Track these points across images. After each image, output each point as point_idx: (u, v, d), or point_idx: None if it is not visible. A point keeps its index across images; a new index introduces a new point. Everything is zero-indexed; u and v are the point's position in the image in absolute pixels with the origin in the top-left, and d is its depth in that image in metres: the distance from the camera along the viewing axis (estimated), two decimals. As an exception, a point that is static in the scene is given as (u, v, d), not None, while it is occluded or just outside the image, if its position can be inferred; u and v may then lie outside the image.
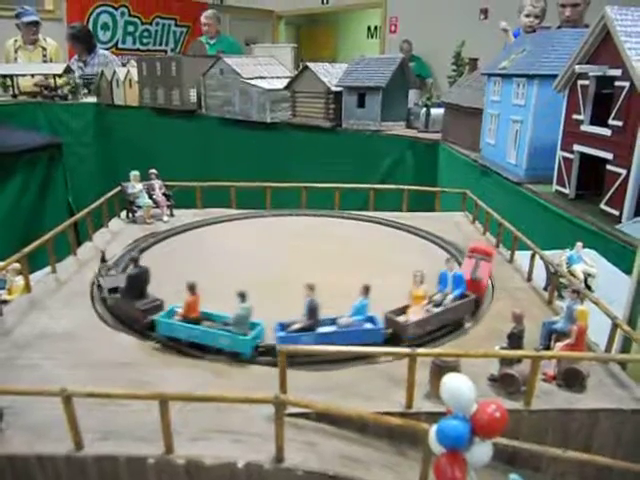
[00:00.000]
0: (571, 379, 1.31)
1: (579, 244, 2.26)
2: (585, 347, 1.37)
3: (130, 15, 11.61)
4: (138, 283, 1.73)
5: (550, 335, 1.45)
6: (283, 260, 2.29)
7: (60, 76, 7.77)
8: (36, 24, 8.22)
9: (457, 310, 1.67)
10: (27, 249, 1.94)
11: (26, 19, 8.16)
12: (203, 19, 9.21)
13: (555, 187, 3.42)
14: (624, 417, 1.24)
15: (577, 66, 3.05)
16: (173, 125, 6.96)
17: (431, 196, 2.96)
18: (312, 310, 1.54)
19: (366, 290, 1.57)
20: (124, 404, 1.28)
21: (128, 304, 1.72)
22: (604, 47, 2.92)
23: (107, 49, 10.07)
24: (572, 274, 2.18)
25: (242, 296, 1.49)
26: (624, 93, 2.72)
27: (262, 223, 2.79)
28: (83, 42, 8.69)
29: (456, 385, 0.93)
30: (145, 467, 1.14)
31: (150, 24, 12.02)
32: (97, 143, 7.64)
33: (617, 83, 2.79)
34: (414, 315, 1.58)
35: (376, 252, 2.38)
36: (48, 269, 2.15)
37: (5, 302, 1.90)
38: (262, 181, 2.92)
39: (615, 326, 1.40)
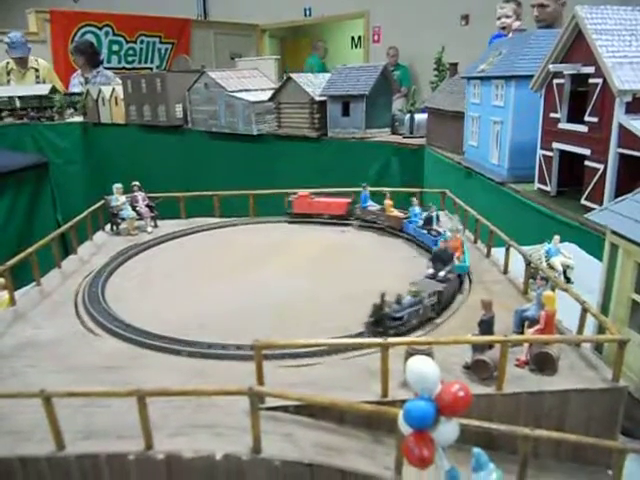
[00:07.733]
0: (542, 363, 1.33)
1: (556, 237, 2.30)
2: (555, 331, 1.39)
3: (114, 34, 11.67)
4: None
5: (522, 322, 1.48)
6: (262, 265, 2.33)
7: (46, 97, 7.80)
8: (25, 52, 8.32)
9: None
10: (10, 262, 1.96)
11: (14, 55, 8.24)
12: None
13: (537, 185, 3.46)
14: (593, 397, 1.27)
15: (551, 65, 3.11)
16: (160, 141, 7.00)
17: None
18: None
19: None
20: (106, 405, 1.30)
21: None
22: (577, 46, 2.97)
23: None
24: (551, 267, 2.22)
25: None
26: (598, 90, 2.77)
27: (243, 230, 2.83)
28: (86, 56, 8.70)
29: (419, 367, 0.95)
30: (126, 463, 1.16)
31: (135, 42, 12.08)
32: (85, 162, 7.66)
33: (591, 80, 2.84)
34: None
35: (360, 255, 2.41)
36: (34, 283, 2.17)
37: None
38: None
39: (584, 310, 1.43)
